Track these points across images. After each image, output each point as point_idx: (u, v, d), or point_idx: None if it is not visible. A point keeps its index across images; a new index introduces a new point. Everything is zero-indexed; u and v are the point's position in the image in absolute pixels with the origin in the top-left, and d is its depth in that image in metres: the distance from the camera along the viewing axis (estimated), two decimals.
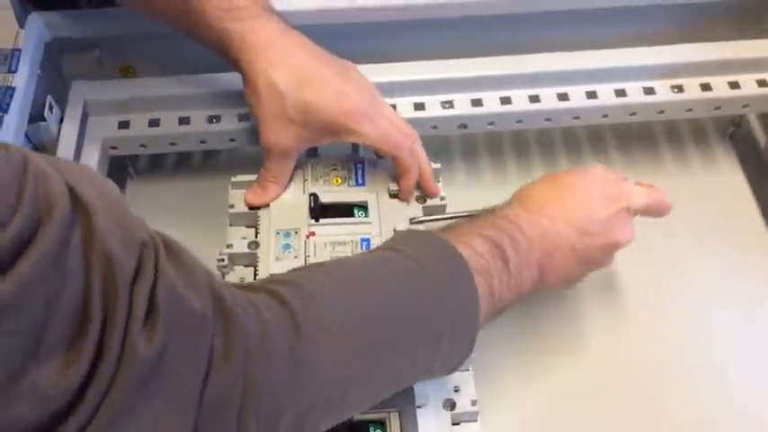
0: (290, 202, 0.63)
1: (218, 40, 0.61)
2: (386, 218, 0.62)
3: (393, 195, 0.63)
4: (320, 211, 0.61)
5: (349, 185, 0.64)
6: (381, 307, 0.47)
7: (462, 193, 0.78)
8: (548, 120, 0.74)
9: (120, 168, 0.79)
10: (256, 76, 0.59)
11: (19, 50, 0.68)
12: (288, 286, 0.44)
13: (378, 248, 0.53)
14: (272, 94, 0.59)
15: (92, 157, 0.70)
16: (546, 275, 0.57)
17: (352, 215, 0.62)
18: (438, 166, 0.66)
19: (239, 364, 0.38)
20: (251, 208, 0.63)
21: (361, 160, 0.66)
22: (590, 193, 0.60)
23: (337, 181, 0.64)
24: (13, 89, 0.66)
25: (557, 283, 0.59)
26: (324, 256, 0.59)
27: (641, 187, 0.64)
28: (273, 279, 0.48)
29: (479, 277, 0.51)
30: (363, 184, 0.64)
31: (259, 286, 0.45)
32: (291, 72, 0.59)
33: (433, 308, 0.48)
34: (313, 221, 0.61)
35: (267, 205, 0.63)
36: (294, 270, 0.49)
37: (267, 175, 0.63)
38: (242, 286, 0.46)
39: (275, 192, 0.63)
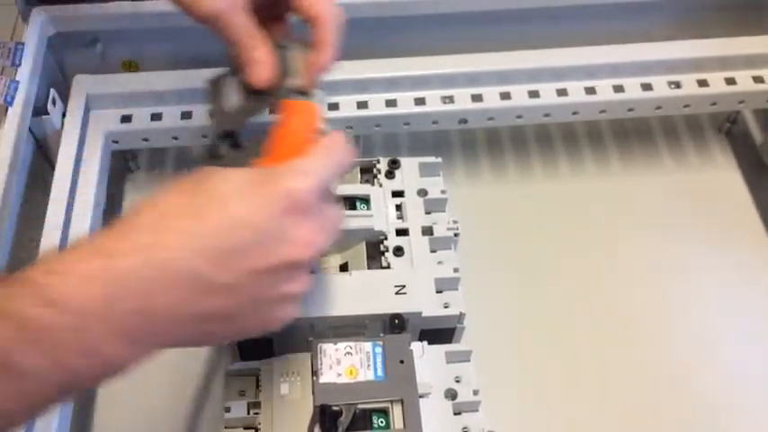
0: None
1: None
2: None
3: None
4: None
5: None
6: None
7: (461, 188, 0.79)
8: (547, 115, 0.74)
9: (121, 162, 0.79)
10: None
11: (23, 44, 0.68)
12: None
13: None
14: None
15: (94, 151, 0.70)
16: (153, 341, 0.38)
17: (354, 208, 0.62)
18: (438, 160, 0.67)
19: None
20: (259, 92, 0.51)
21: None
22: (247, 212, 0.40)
23: None
24: (17, 83, 0.66)
25: (191, 342, 0.41)
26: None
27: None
28: None
29: None
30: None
31: None
32: None
33: None
34: None
35: None
36: None
37: (244, 40, 0.50)
38: None
39: (268, 51, 0.51)
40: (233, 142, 0.51)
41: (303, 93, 0.50)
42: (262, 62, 0.50)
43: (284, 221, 0.40)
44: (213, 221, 0.38)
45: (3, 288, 0.36)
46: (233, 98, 0.52)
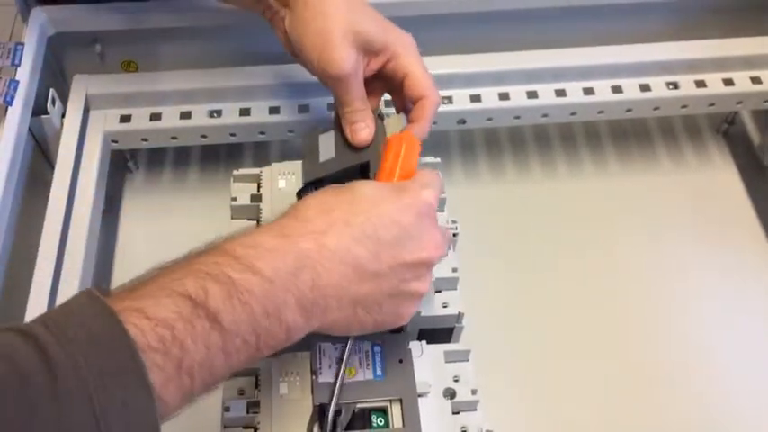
0: (290, 193, 0.63)
1: None
2: None
3: None
4: None
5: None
6: None
7: (460, 188, 0.79)
8: (545, 116, 0.75)
9: (120, 162, 0.79)
10: (306, 3, 0.56)
11: (22, 44, 0.68)
12: None
13: (18, 331, 0.36)
14: (337, 12, 0.56)
15: (93, 151, 0.70)
16: (319, 312, 0.44)
17: None
18: (437, 160, 0.67)
19: None
20: (360, 148, 0.58)
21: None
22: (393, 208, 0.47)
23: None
24: (17, 82, 0.66)
25: (342, 324, 0.46)
26: None
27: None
28: None
29: (154, 355, 0.37)
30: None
31: None
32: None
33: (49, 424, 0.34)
34: None
35: (261, 199, 0.64)
36: None
37: (357, 104, 0.57)
38: None
39: (371, 117, 0.58)
40: (321, 187, 0.56)
41: None
42: (367, 126, 0.57)
43: (421, 224, 0.47)
44: (368, 218, 0.46)
45: (205, 256, 0.42)
46: (327, 152, 0.59)
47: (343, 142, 0.59)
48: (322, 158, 0.59)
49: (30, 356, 0.34)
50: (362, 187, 0.48)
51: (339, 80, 0.56)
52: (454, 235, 0.62)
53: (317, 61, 0.56)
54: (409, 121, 0.59)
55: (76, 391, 0.34)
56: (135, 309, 0.38)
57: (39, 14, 0.71)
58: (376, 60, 0.58)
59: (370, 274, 0.45)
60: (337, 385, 0.51)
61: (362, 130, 0.57)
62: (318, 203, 0.47)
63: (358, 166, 0.57)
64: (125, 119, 0.72)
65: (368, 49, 0.57)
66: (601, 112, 0.75)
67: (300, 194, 0.60)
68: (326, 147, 0.59)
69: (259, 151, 0.82)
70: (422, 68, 0.59)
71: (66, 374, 0.34)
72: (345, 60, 0.55)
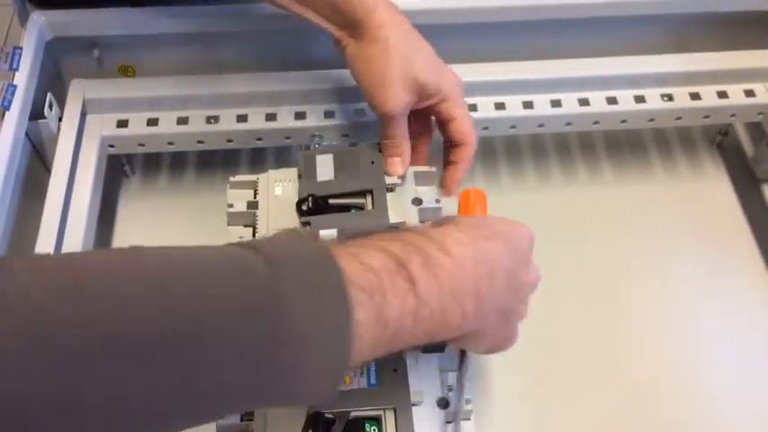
0: (287, 200, 0.63)
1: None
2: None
3: (389, 189, 0.64)
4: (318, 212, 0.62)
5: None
6: (175, 309, 0.38)
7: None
8: (541, 126, 0.75)
9: (116, 167, 0.79)
10: (386, 38, 0.60)
11: (20, 48, 0.69)
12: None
13: (237, 244, 0.43)
14: (397, 56, 0.60)
15: (90, 156, 0.71)
16: (484, 309, 0.47)
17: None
18: (433, 169, 0.67)
19: None
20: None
21: None
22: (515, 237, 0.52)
23: None
24: (15, 87, 0.66)
25: (480, 334, 0.50)
26: None
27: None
28: None
29: (362, 295, 0.41)
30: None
31: None
32: (409, 37, 0.62)
33: (265, 323, 0.38)
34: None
35: (258, 206, 0.64)
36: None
37: (398, 140, 0.63)
38: None
39: (409, 152, 0.65)
40: (322, 205, 0.62)
41: (391, 190, 0.63)
42: (402, 162, 0.64)
43: (530, 252, 0.51)
44: (509, 240, 0.49)
45: (404, 233, 0.48)
46: (326, 173, 0.63)
47: (345, 167, 0.63)
48: (320, 178, 0.62)
49: (258, 262, 0.39)
50: (488, 220, 0.53)
51: (388, 118, 0.62)
52: None
53: (371, 98, 0.61)
54: (449, 162, 0.65)
55: (292, 298, 0.38)
56: (349, 253, 0.42)
57: (37, 19, 0.72)
58: (427, 102, 0.63)
59: (514, 286, 0.49)
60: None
61: (398, 164, 0.64)
62: (466, 219, 0.52)
63: (359, 190, 0.62)
64: (122, 124, 0.72)
65: (421, 94, 0.62)
66: (596, 122, 0.76)
67: (299, 205, 0.60)
68: (325, 168, 0.63)
69: (256, 157, 0.82)
70: (465, 115, 0.64)
71: (285, 280, 0.38)
72: (398, 103, 0.61)
